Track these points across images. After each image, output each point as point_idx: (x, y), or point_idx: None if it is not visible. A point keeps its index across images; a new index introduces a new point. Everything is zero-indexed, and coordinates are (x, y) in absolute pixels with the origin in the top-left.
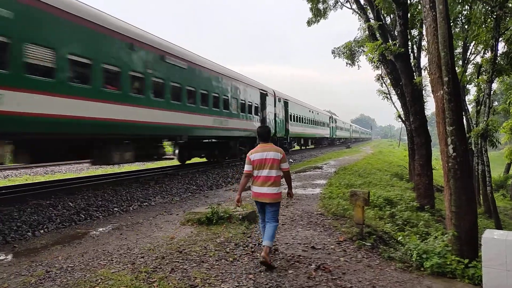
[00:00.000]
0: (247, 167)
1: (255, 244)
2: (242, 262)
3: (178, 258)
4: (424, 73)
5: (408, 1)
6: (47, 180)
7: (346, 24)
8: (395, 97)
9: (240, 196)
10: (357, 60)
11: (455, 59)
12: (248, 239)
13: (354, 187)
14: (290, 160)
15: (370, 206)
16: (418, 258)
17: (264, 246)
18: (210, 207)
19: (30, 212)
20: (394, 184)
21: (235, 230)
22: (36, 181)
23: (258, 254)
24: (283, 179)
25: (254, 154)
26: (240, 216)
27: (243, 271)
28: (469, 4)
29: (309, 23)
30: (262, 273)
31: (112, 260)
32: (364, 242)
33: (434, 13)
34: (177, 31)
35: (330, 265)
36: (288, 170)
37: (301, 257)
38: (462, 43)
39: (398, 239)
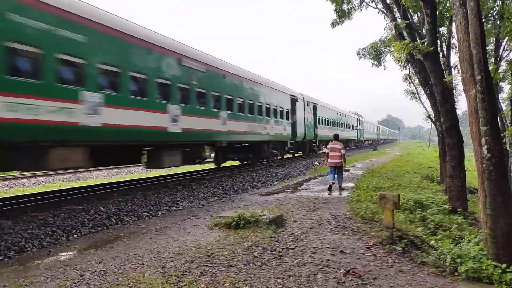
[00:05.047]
0: (326, 150)
1: (282, 248)
2: (270, 266)
3: (207, 262)
4: (455, 72)
5: None
6: (79, 186)
7: (359, 26)
8: (423, 97)
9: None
10: (383, 61)
11: (487, 56)
12: (276, 243)
13: (382, 189)
14: (316, 163)
15: (400, 209)
16: (452, 262)
17: (339, 185)
18: (237, 211)
19: (64, 217)
20: (425, 187)
21: (262, 234)
22: (69, 187)
23: (286, 259)
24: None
25: (329, 145)
26: (267, 220)
27: (271, 275)
28: None
29: (334, 24)
30: (291, 278)
31: (143, 264)
32: (394, 247)
33: (464, 10)
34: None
35: (360, 269)
36: (344, 153)
37: (329, 262)
38: (494, 39)
39: (431, 243)
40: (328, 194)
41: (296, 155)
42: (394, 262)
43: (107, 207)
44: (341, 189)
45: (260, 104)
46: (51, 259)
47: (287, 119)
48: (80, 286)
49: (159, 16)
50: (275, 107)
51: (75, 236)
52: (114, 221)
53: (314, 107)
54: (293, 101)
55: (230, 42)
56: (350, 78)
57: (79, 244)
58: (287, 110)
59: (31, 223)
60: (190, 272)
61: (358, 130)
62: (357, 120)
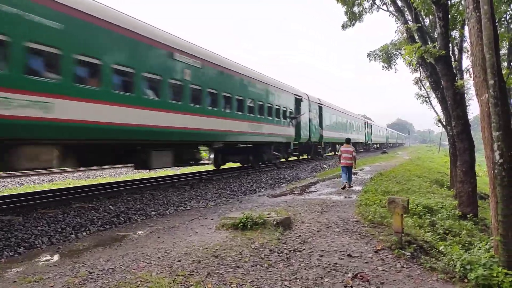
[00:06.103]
0: (339, 153)
1: (290, 251)
2: (277, 268)
3: (214, 263)
4: (466, 76)
5: (449, 2)
6: (88, 184)
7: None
8: (434, 101)
9: (340, 163)
10: (394, 63)
11: (500, 60)
12: (283, 245)
13: (391, 194)
14: (324, 166)
15: (409, 214)
16: (461, 269)
17: (347, 183)
18: (244, 212)
19: (74, 214)
20: (435, 192)
21: (269, 236)
22: (79, 184)
23: (293, 261)
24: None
25: (342, 148)
26: (275, 222)
27: (278, 277)
28: None
29: (344, 26)
30: (298, 280)
31: (151, 263)
32: (403, 251)
33: (478, 13)
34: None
35: (368, 274)
36: (355, 156)
37: (337, 265)
38: (507, 44)
39: (440, 249)
40: (342, 190)
41: None
42: (403, 267)
43: (116, 206)
44: (350, 187)
45: None
46: (60, 256)
47: None
48: (88, 283)
49: None
50: None
51: (84, 233)
52: (123, 219)
53: None
54: None
55: (191, 22)
56: (351, 77)
57: (88, 241)
58: None
59: (41, 220)
60: (197, 272)
61: (368, 134)
62: (368, 124)
